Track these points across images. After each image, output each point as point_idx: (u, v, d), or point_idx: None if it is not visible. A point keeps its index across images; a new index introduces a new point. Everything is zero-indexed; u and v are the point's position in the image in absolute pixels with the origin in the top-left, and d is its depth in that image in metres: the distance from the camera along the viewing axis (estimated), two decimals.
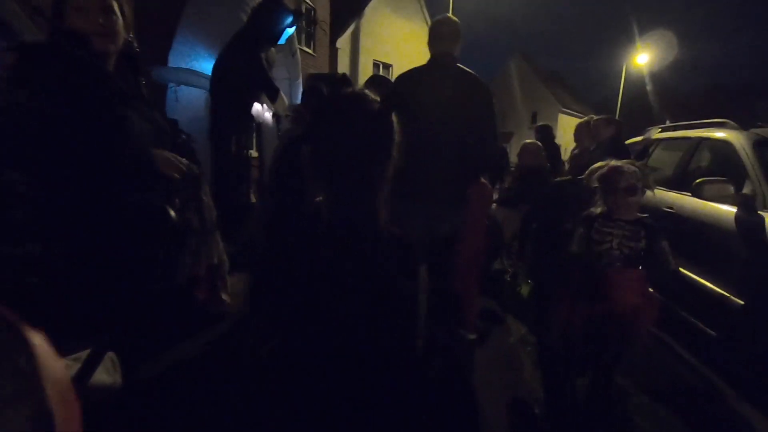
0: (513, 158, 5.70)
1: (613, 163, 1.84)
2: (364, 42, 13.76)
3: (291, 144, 2.46)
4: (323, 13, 11.79)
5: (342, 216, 0.88)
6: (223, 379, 2.16)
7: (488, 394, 2.13)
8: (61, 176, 1.13)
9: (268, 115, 4.12)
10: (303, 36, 11.07)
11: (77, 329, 1.09)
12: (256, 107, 3.80)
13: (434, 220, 2.08)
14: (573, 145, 4.21)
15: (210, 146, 3.31)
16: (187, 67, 3.77)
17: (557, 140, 5.61)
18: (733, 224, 2.33)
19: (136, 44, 1.47)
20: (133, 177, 1.24)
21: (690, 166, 3.15)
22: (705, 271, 2.48)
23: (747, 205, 2.29)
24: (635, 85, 19.62)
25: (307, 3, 10.97)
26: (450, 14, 2.29)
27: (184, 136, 2.84)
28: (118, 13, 1.29)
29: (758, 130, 2.63)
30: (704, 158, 3.16)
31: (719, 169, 2.77)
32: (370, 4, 13.75)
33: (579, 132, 3.92)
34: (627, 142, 4.11)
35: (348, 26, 13.18)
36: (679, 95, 24.49)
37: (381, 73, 14.24)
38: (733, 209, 2.37)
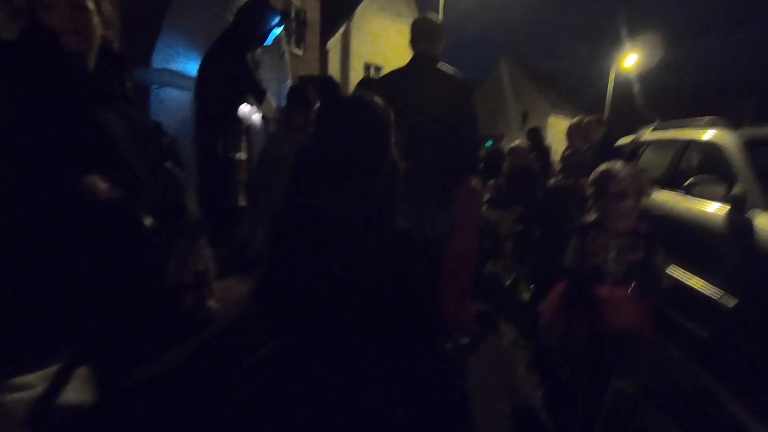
0: None
1: (605, 165, 1.73)
2: (355, 44, 13.75)
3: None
4: (313, 15, 11.75)
5: (349, 216, 0.91)
6: (210, 389, 2.11)
7: (481, 398, 2.10)
8: (26, 177, 1.07)
9: (256, 117, 4.06)
10: (293, 38, 11.02)
11: (43, 342, 1.03)
12: (244, 109, 3.74)
13: (419, 221, 2.06)
14: (563, 146, 4.22)
15: (195, 149, 3.24)
16: (172, 69, 3.69)
17: (548, 141, 5.64)
18: (724, 224, 2.32)
19: (117, 43, 1.42)
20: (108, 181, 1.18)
21: (681, 166, 3.15)
22: (696, 271, 2.47)
23: (737, 205, 2.28)
24: (624, 87, 19.81)
25: (297, 5, 10.91)
26: (430, 15, 2.28)
27: (168, 139, 2.79)
28: (93, 10, 1.23)
29: (748, 130, 2.63)
30: (694, 158, 3.17)
31: (708, 169, 2.77)
32: (361, 6, 13.75)
33: (571, 133, 3.95)
34: (617, 143, 4.11)
35: (338, 28, 13.16)
36: (668, 94, 24.80)
37: (372, 74, 14.23)
38: (725, 208, 2.36)
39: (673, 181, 3.03)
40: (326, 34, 12.71)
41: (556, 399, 2.04)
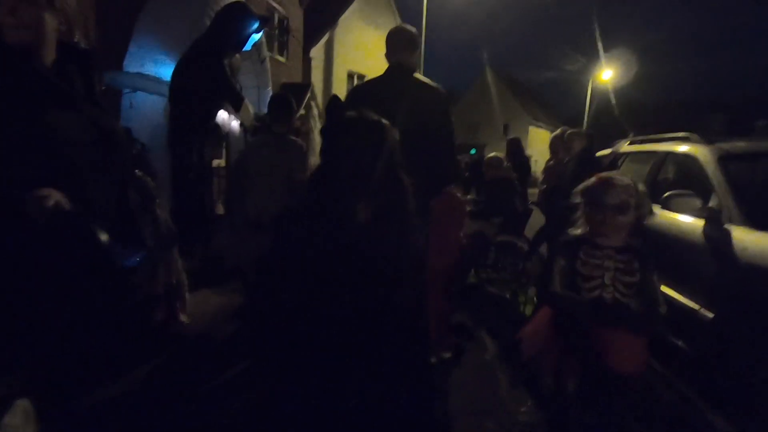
0: None
1: (603, 174, 1.56)
2: (338, 52, 13.75)
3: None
4: (296, 23, 11.72)
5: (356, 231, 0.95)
6: (183, 405, 1.99)
7: (463, 417, 2.04)
8: None
9: (235, 124, 3.97)
10: (276, 45, 10.95)
11: None
12: (223, 115, 3.64)
13: None
14: (543, 156, 4.29)
15: (169, 156, 3.12)
16: (144, 72, 3.56)
17: (528, 151, 5.72)
18: (701, 237, 2.34)
19: (81, 41, 1.32)
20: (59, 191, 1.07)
21: (658, 179, 3.19)
22: (675, 284, 2.49)
23: (713, 219, 2.30)
24: (603, 99, 20.46)
25: (280, 12, 10.86)
26: (406, 25, 2.27)
27: (138, 146, 2.67)
28: (44, 3, 1.13)
29: (722, 144, 2.68)
30: (671, 171, 3.22)
31: (686, 181, 2.81)
32: (344, 15, 13.78)
33: (554, 144, 4.00)
34: (596, 154, 4.17)
35: (321, 36, 13.14)
36: (643, 109, 25.68)
37: (356, 82, 14.23)
38: (701, 222, 2.38)
39: (651, 193, 3.06)
40: (310, 42, 12.67)
41: (541, 417, 1.99)
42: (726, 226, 2.21)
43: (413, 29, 2.21)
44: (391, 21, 16.16)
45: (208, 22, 3.26)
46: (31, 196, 0.97)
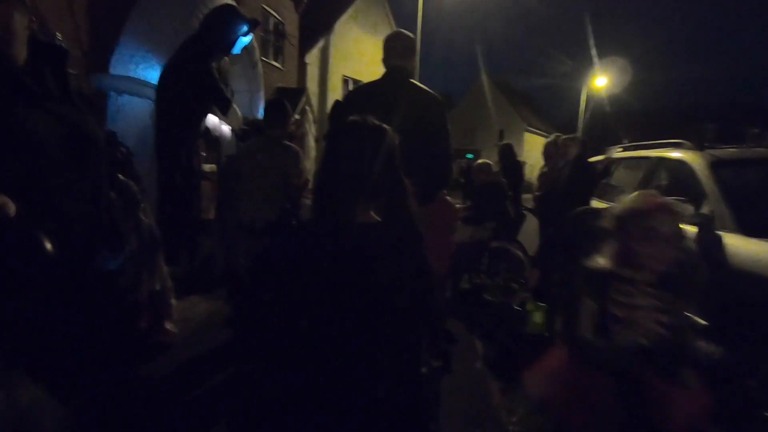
0: None
1: (658, 198, 1.26)
2: (334, 58, 13.75)
3: None
4: (292, 28, 11.72)
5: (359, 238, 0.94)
6: (168, 414, 1.93)
7: (454, 426, 1.99)
8: None
9: (226, 128, 3.92)
10: (271, 50, 10.93)
11: None
12: (213, 119, 3.59)
13: None
14: (538, 162, 4.29)
15: (156, 160, 3.07)
16: (131, 75, 3.51)
17: (523, 157, 5.71)
18: (693, 244, 2.32)
19: (63, 41, 1.27)
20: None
21: (650, 186, 3.18)
22: None
23: (706, 225, 2.29)
24: (597, 106, 20.60)
25: (276, 17, 10.86)
26: (403, 30, 2.26)
27: (123, 149, 2.61)
28: (13, 1, 1.09)
29: (713, 151, 2.67)
30: (664, 177, 3.21)
31: (678, 188, 2.80)
32: (340, 21, 13.80)
33: (548, 151, 4.03)
34: (590, 160, 4.17)
35: (317, 42, 13.14)
36: (636, 115, 25.92)
37: (351, 88, 14.24)
38: (693, 228, 2.37)
39: None
40: (305, 47, 12.67)
41: (532, 427, 1.95)
42: (718, 232, 2.20)
43: (411, 35, 2.21)
44: (386, 27, 16.22)
45: (196, 25, 3.22)
46: None
